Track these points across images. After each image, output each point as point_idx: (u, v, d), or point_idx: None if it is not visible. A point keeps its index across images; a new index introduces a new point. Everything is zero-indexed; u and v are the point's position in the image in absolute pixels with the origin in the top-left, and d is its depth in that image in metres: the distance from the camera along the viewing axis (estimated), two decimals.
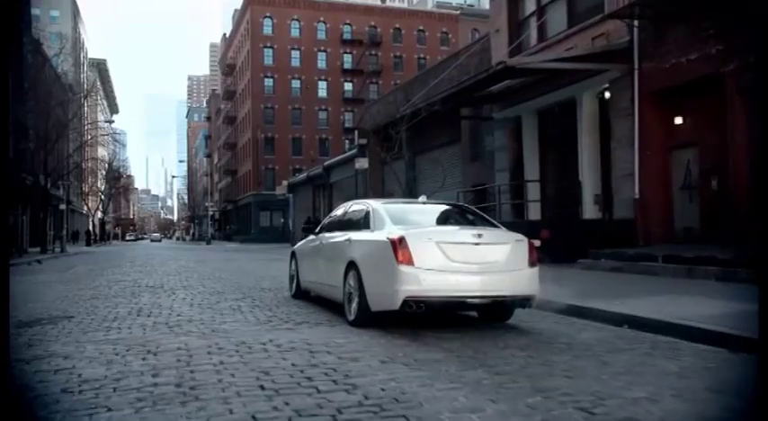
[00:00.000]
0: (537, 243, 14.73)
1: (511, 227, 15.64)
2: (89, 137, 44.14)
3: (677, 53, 11.79)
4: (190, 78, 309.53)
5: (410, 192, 24.89)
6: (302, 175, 43.54)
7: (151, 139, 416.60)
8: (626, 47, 13.00)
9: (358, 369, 4.49)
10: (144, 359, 4.85)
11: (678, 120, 12.56)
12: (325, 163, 37.51)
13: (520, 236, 6.57)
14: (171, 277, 13.38)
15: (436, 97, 15.89)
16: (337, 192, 35.83)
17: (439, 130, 21.81)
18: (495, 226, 7.08)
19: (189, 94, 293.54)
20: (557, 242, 14.23)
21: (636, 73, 12.74)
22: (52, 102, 30.52)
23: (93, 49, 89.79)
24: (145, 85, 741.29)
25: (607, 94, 14.27)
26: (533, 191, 17.16)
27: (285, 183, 45.35)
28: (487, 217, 7.75)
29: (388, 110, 27.06)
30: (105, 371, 4.44)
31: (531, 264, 6.36)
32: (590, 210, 14.94)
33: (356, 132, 30.45)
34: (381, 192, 28.25)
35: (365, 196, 29.49)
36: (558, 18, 15.89)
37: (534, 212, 17.09)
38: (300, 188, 43.90)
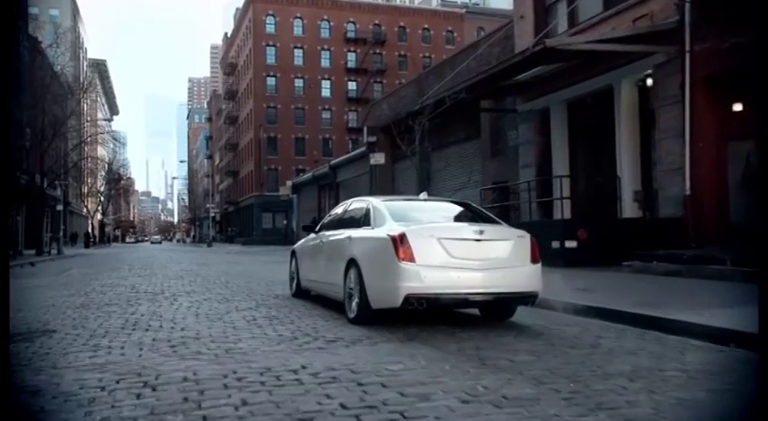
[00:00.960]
0: (573, 244, 13.56)
1: (541, 227, 14.44)
2: (88, 135, 42.93)
3: (737, 32, 10.54)
4: (190, 80, 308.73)
5: (425, 190, 23.73)
6: (307, 175, 42.35)
7: (151, 141, 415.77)
8: (675, 27, 11.77)
9: (435, 413, 3.25)
10: (139, 396, 3.61)
11: (737, 107, 11.32)
12: (332, 162, 36.31)
13: (522, 232, 6.45)
14: (172, 281, 12.14)
15: (461, 85, 14.66)
16: (344, 192, 34.59)
17: (455, 126, 20.60)
18: (497, 222, 6.91)
19: (189, 96, 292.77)
20: (593, 243, 13.05)
21: (687, 56, 11.50)
22: (48, 96, 29.27)
23: (93, 52, 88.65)
24: (145, 87, 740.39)
25: (649, 81, 13.05)
26: (563, 188, 15.93)
27: (289, 183, 44.15)
28: (489, 213, 7.44)
29: (400, 105, 25.88)
30: (84, 418, 3.20)
31: (534, 260, 6.23)
32: (629, 209, 13.71)
33: (365, 129, 29.26)
34: (392, 192, 27.07)
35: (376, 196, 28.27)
36: (592, 0, 14.65)
37: (564, 211, 15.86)
38: (305, 188, 42.71)
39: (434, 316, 6.97)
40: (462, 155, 21.06)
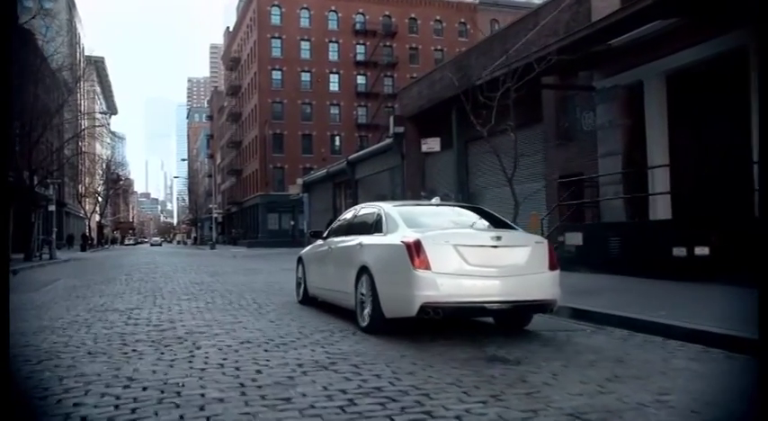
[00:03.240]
0: (705, 251, 10.46)
1: (643, 229, 11.32)
2: (83, 128, 39.86)
3: None
4: (190, 80, 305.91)
5: (462, 189, 20.69)
6: (321, 172, 39.21)
7: (151, 143, 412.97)
8: None
9: None
10: None
11: None
12: (350, 157, 33.18)
13: (539, 238, 6.37)
14: (183, 304, 9.07)
15: (553, 46, 11.63)
16: (364, 191, 31.58)
17: (507, 111, 17.52)
18: (513, 228, 6.67)
19: (189, 97, 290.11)
20: (728, 250, 10.11)
21: None
22: (36, 82, 26.22)
23: (91, 52, 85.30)
24: (144, 88, 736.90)
25: None
26: (661, 180, 12.95)
27: (300, 181, 41.02)
28: (502, 218, 7.02)
29: (434, 90, 22.89)
30: None
31: (552, 267, 5.97)
32: None
33: (391, 119, 26.25)
34: (419, 190, 24.06)
35: (403, 195, 25.31)
36: None
37: (663, 209, 12.87)
38: (317, 186, 39.66)
39: None
40: (519, 143, 17.97)
